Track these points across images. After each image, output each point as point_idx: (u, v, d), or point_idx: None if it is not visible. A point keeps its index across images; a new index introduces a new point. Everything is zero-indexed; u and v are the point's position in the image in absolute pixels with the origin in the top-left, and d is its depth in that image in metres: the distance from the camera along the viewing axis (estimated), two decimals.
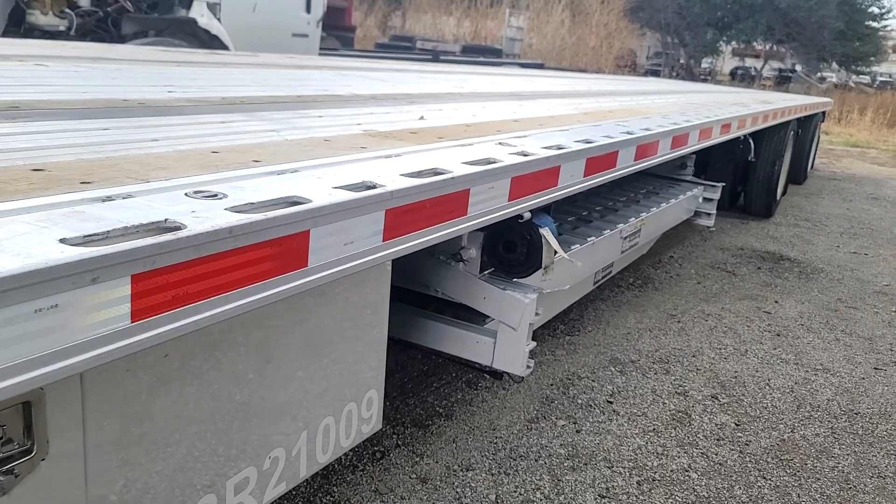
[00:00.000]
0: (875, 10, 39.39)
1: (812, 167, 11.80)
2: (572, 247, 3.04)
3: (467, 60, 13.82)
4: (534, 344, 2.41)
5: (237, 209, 1.19)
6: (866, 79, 44.44)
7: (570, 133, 2.70)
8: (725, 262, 6.15)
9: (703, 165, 6.20)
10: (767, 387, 3.85)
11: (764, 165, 7.19)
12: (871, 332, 4.83)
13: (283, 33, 8.38)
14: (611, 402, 3.50)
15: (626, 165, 2.85)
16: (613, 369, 3.86)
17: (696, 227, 5.46)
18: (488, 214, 1.89)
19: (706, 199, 4.99)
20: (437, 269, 2.40)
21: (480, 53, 17.78)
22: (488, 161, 1.94)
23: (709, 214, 5.04)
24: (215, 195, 1.25)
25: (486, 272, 2.43)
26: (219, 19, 7.42)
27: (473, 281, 2.37)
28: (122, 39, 7.27)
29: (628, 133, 2.91)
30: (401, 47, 18.21)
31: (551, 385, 3.61)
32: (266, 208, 1.22)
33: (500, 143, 2.23)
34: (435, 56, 13.62)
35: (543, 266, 2.35)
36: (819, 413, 3.60)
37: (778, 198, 8.19)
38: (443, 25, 27.25)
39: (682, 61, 40.10)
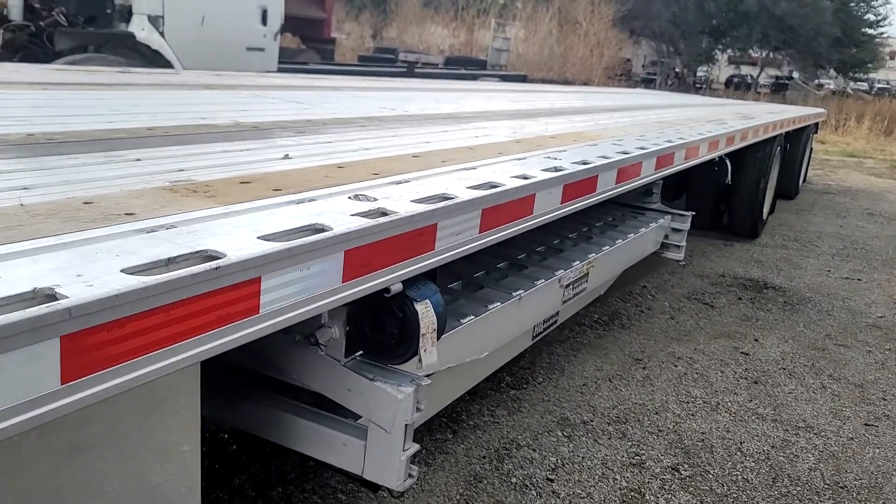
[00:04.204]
0: (871, 16, 39.04)
1: (804, 180, 11.30)
2: (490, 306, 2.53)
3: (444, 74, 13.32)
4: (416, 447, 1.89)
5: None
6: (864, 85, 44.10)
7: (472, 173, 2.18)
8: (703, 292, 5.63)
9: (679, 185, 5.68)
10: (739, 452, 3.32)
11: (747, 185, 6.69)
12: (862, 377, 4.30)
13: (237, 47, 7.87)
14: (551, 480, 2.97)
15: (549, 210, 2.33)
16: (560, 434, 3.33)
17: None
18: (303, 306, 1.37)
19: (675, 230, 4.46)
20: (294, 351, 1.89)
21: (464, 65, 17.28)
22: (316, 229, 1.43)
23: (678, 246, 4.51)
24: None
25: (354, 356, 1.91)
26: (161, 33, 6.91)
27: (336, 368, 1.86)
28: (57, 56, 6.78)
29: (555, 169, 2.40)
30: (383, 59, 17.73)
31: (483, 458, 3.09)
32: None
33: (356, 197, 1.71)
34: (410, 69, 13.13)
35: (422, 350, 1.83)
36: (798, 489, 3.07)
37: (765, 217, 7.67)
38: (430, 37, 26.80)
39: (677, 70, 39.73)
